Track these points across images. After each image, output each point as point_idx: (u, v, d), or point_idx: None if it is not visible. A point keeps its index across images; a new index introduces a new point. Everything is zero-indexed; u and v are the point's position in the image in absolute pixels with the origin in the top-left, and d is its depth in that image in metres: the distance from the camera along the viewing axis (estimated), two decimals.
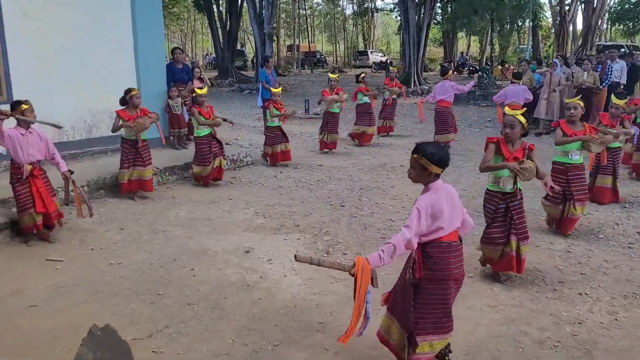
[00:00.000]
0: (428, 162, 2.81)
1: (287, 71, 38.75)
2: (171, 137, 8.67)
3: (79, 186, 5.13)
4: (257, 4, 24.10)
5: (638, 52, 21.57)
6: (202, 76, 9.40)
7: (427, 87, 20.95)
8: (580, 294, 3.95)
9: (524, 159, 3.94)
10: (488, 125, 13.03)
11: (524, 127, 3.98)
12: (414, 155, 2.86)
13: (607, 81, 10.68)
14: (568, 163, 5.10)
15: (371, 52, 45.86)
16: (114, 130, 6.30)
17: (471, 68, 31.25)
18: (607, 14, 37.64)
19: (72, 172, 5.11)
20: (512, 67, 11.36)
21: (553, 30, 36.95)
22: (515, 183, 4.03)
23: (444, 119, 9.26)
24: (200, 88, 7.54)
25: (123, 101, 6.29)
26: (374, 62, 41.35)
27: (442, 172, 2.86)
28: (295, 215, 5.93)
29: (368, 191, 6.95)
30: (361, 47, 53.28)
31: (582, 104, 5.16)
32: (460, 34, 43.15)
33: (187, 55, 52.90)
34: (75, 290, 4.10)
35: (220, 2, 31.66)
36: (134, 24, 7.96)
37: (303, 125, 9.17)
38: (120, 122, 6.17)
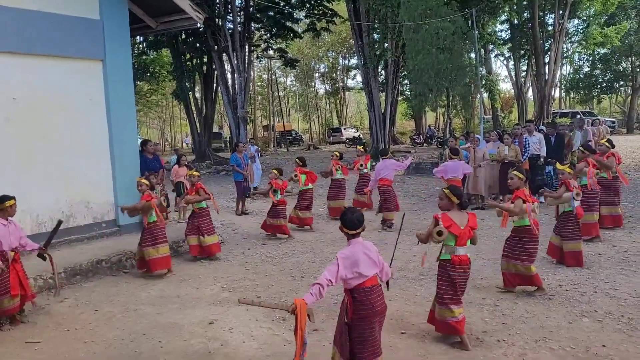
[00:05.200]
0: (342, 224, 3.73)
1: (264, 150, 40.05)
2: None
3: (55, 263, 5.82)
4: (231, 90, 25.52)
5: (593, 118, 23.12)
6: (187, 164, 10.53)
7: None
8: (498, 340, 4.53)
9: None
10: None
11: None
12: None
13: (526, 154, 11.02)
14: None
15: (344, 129, 47.67)
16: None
17: (439, 140, 32.84)
18: (560, 84, 40.21)
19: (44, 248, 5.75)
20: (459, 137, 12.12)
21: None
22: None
23: (387, 197, 9.65)
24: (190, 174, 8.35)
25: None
26: (347, 138, 42.99)
27: (354, 232, 3.69)
28: (258, 288, 6.47)
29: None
30: (335, 123, 55.38)
31: (519, 174, 5.71)
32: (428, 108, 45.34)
33: (167, 140, 54.42)
34: None
35: (197, 89, 33.25)
36: (108, 121, 8.66)
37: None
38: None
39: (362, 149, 12.66)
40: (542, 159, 11.23)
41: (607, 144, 8.76)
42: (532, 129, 11.52)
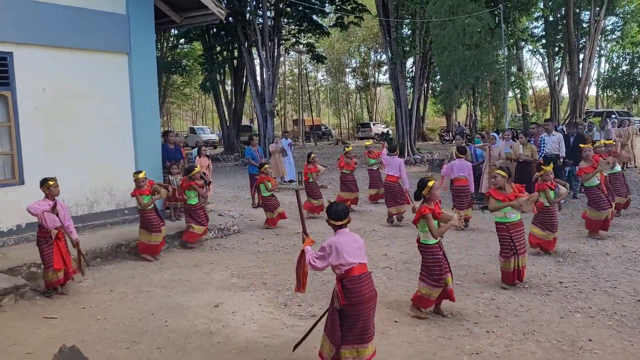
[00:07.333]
0: (328, 216, 3.99)
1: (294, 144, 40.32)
2: (168, 210, 9.63)
3: (83, 254, 6.29)
4: (259, 84, 25.86)
5: (629, 119, 22.58)
6: (207, 154, 11.10)
7: (419, 157, 22.00)
8: (487, 331, 4.64)
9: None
10: None
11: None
12: None
13: (540, 154, 10.77)
14: (508, 222, 5.83)
15: (374, 124, 47.59)
16: (144, 208, 7.51)
17: (468, 137, 32.56)
18: (595, 83, 39.17)
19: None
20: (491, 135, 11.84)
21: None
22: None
23: (392, 193, 9.76)
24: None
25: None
26: (376, 133, 42.92)
27: (340, 223, 3.89)
28: (266, 275, 6.71)
29: None
30: (366, 119, 55.28)
31: (502, 172, 5.93)
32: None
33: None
34: (65, 340, 4.83)
35: (227, 82, 33.74)
36: (132, 112, 9.02)
37: (292, 196, 10.35)
38: (148, 198, 7.50)
39: (370, 144, 13.18)
40: (560, 160, 11.01)
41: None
42: (550, 128, 11.29)
